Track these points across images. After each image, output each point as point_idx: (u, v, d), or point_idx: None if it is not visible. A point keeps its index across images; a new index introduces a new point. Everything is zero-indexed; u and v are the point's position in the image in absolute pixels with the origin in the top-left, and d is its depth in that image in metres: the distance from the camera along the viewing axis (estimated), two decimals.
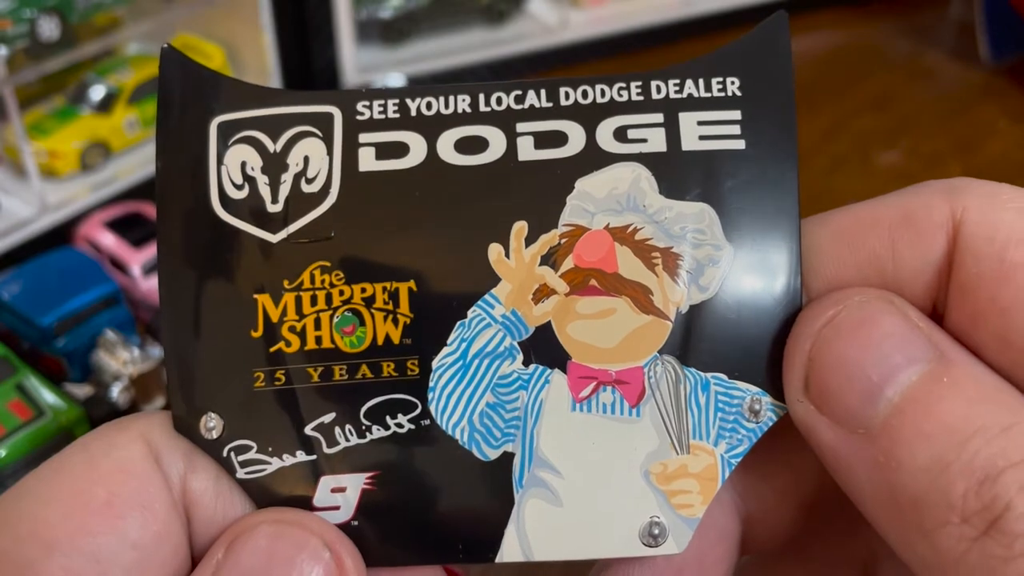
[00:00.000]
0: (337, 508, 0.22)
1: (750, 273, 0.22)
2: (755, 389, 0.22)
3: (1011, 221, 0.20)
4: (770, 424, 0.22)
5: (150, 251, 0.55)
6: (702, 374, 0.22)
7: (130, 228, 0.56)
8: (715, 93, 0.22)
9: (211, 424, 0.22)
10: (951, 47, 0.83)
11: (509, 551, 0.22)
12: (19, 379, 0.44)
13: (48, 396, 0.43)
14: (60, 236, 0.58)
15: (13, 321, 0.49)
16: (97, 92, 0.64)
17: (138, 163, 0.64)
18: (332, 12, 0.69)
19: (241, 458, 0.22)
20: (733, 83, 0.22)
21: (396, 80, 0.71)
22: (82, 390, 0.48)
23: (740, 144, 0.22)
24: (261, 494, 0.22)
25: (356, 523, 0.22)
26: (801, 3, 0.85)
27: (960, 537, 0.18)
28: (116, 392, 0.47)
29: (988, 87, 0.77)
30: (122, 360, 0.48)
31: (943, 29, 0.87)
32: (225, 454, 0.22)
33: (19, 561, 0.19)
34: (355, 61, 0.72)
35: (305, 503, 0.22)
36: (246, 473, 0.22)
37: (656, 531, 0.22)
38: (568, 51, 0.79)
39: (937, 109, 0.75)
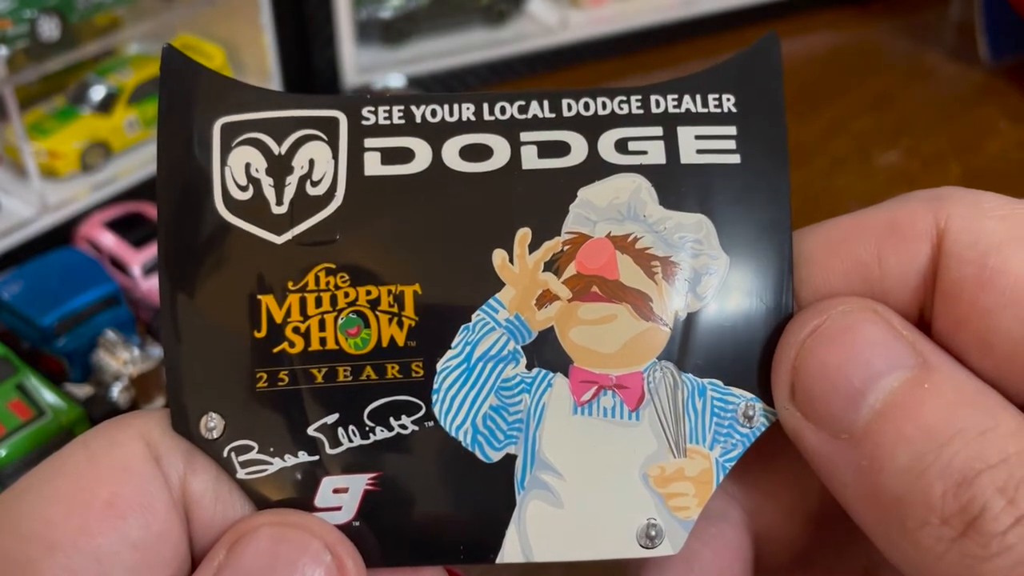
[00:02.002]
0: (339, 509, 0.22)
1: (744, 282, 0.22)
2: (749, 395, 0.22)
3: (993, 228, 0.20)
4: (763, 430, 0.22)
5: (150, 251, 0.55)
6: (699, 380, 0.22)
7: (130, 228, 0.56)
8: (712, 109, 0.23)
9: (211, 424, 0.22)
10: (951, 47, 0.83)
11: (510, 552, 0.22)
12: (19, 379, 0.44)
13: (48, 396, 0.43)
14: (60, 236, 0.58)
15: (13, 321, 0.49)
16: (97, 92, 0.64)
17: (138, 163, 0.64)
18: (332, 12, 0.69)
19: (242, 458, 0.22)
20: (729, 99, 0.23)
21: (396, 80, 0.71)
22: (82, 390, 0.48)
23: (736, 159, 0.23)
24: (261, 495, 0.22)
25: (357, 524, 0.22)
26: (801, 3, 0.85)
27: (940, 537, 0.19)
28: (116, 392, 0.47)
29: (988, 87, 0.77)
30: (122, 360, 0.48)
31: (943, 29, 0.87)
32: (225, 454, 0.22)
33: (20, 560, 0.19)
34: (355, 61, 0.72)
35: (307, 504, 0.22)
36: (247, 473, 0.22)
37: (653, 533, 0.22)
38: (568, 51, 0.79)
39: (937, 109, 0.75)
